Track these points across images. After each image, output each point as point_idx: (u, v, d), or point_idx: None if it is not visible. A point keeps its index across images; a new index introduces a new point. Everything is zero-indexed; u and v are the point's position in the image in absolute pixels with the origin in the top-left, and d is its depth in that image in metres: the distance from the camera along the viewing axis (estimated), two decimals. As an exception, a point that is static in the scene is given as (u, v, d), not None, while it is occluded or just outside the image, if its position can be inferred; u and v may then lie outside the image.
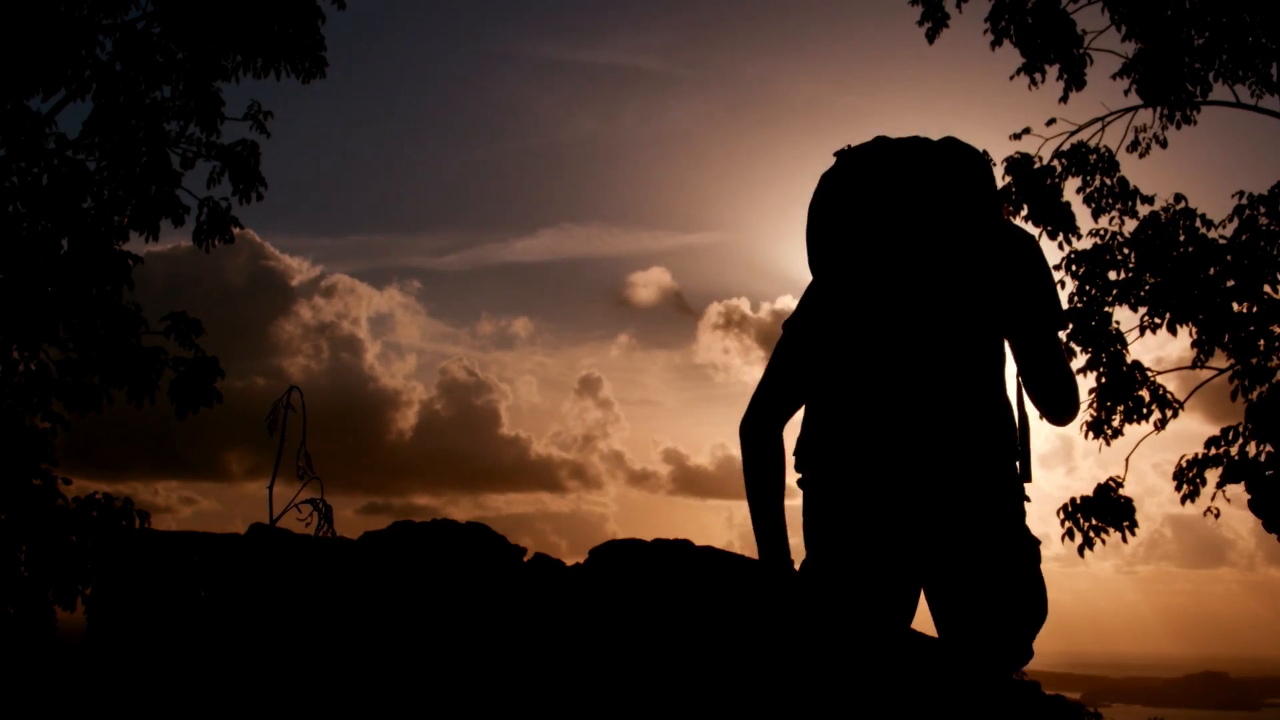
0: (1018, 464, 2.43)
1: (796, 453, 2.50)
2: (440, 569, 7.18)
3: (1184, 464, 10.43)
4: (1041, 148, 11.10)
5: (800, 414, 2.55)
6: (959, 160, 2.40)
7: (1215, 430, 10.32)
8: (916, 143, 2.44)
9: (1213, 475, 10.25)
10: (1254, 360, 10.07)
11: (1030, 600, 2.34)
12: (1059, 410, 2.44)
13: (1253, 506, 9.68)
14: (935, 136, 2.49)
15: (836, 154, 2.52)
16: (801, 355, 2.47)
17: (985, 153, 2.35)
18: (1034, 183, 10.92)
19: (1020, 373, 2.45)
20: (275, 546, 7.01)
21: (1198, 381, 10.89)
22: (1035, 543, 2.38)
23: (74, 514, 8.09)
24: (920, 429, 2.33)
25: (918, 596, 2.43)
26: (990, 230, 2.39)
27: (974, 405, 2.36)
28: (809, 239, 2.51)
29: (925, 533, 2.32)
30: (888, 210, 2.38)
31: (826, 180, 2.49)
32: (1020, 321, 2.38)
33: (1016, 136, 11.10)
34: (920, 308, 2.36)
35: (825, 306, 2.46)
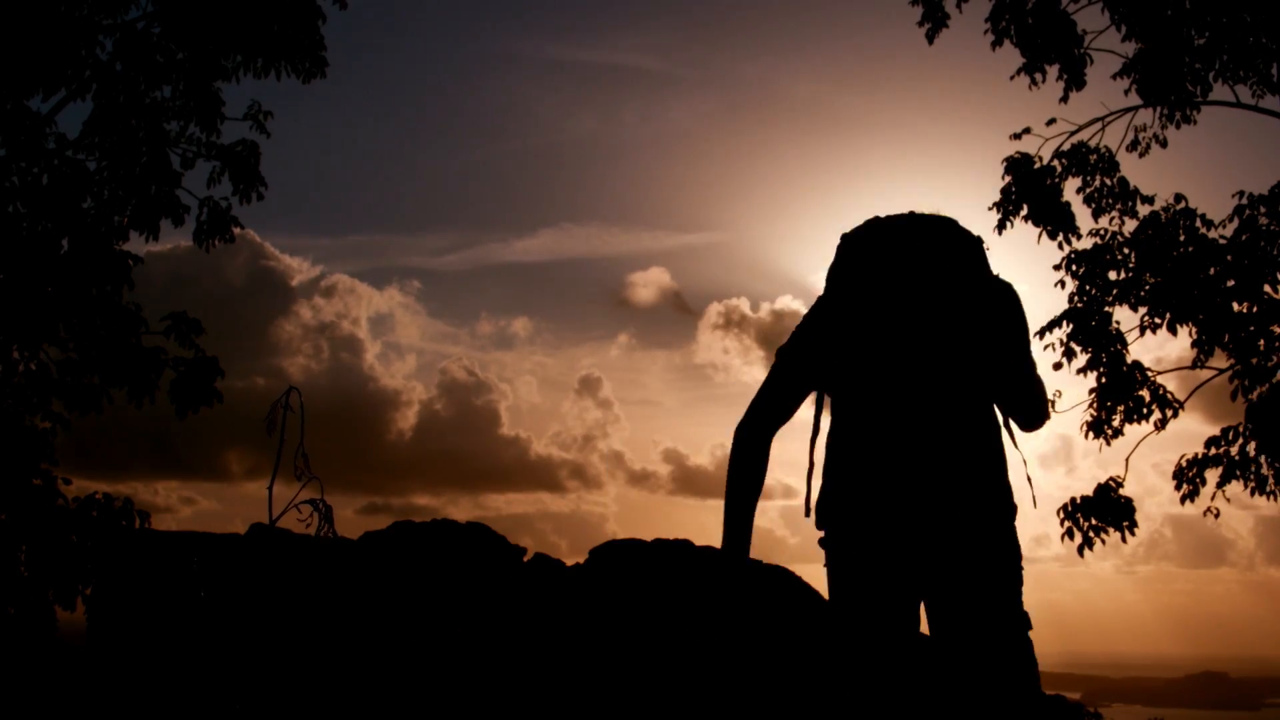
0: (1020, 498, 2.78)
1: (819, 511, 2.82)
2: (440, 569, 7.18)
3: (1184, 464, 10.43)
4: (1041, 148, 11.09)
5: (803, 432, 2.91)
6: (961, 244, 2.79)
7: (1215, 430, 10.33)
8: (919, 222, 2.80)
9: (1213, 475, 10.25)
10: (1254, 360, 10.06)
11: (1021, 673, 2.62)
12: (1034, 420, 2.84)
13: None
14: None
15: (844, 236, 2.88)
16: (794, 381, 2.84)
17: (980, 238, 2.90)
18: (1034, 183, 10.91)
19: (1002, 394, 2.82)
20: (275, 546, 7.01)
21: (1198, 381, 10.89)
22: (1025, 618, 2.68)
23: (74, 514, 8.08)
24: (928, 483, 2.65)
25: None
26: (984, 298, 2.77)
27: (975, 458, 2.69)
28: (833, 294, 2.85)
29: (931, 572, 2.66)
30: (904, 285, 2.74)
31: (849, 249, 2.85)
32: (1003, 358, 2.77)
33: (1016, 136, 11.09)
34: (926, 367, 2.71)
35: (831, 347, 2.80)
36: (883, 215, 2.86)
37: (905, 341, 2.71)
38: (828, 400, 2.91)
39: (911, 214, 2.83)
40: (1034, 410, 2.82)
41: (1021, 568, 2.70)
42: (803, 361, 2.82)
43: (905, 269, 2.74)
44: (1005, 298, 2.79)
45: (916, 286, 2.73)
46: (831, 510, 2.76)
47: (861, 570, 2.67)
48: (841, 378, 2.79)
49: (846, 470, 2.74)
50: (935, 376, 2.70)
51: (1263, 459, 9.95)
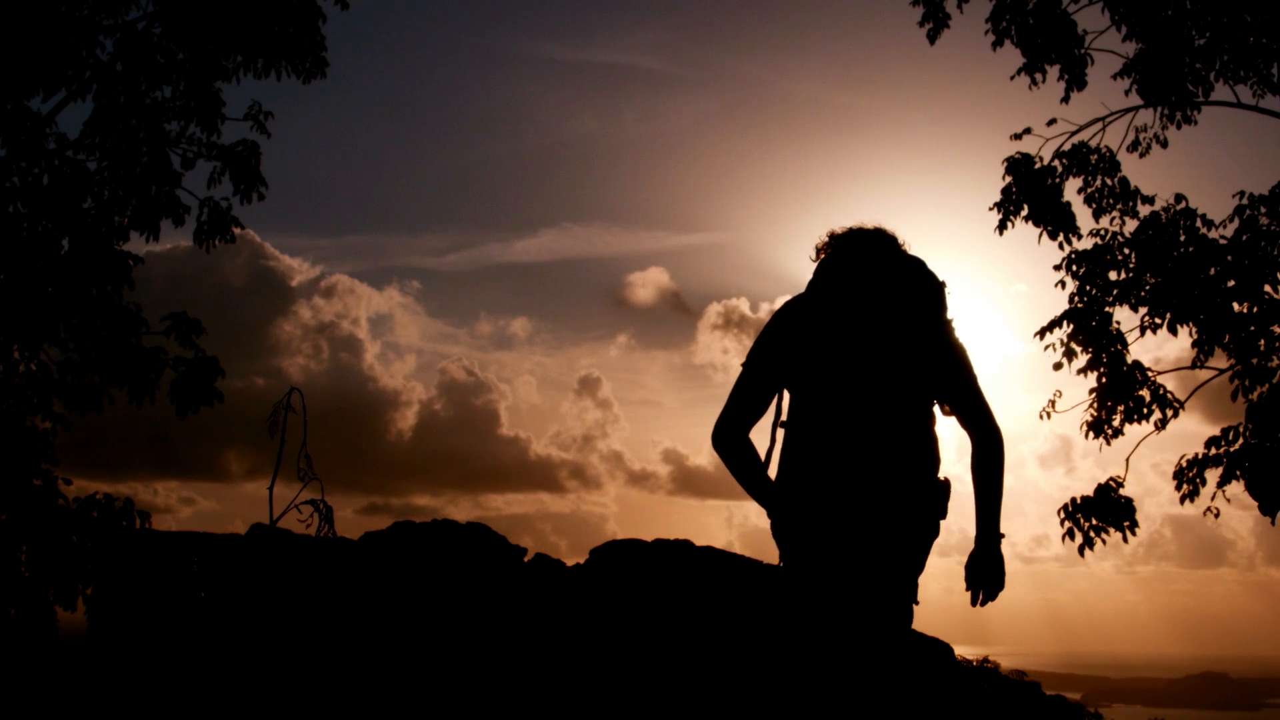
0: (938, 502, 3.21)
1: (776, 495, 3.24)
2: (440, 569, 7.18)
3: (1184, 464, 10.41)
4: (1042, 148, 11.09)
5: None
6: (926, 287, 3.25)
7: (1215, 430, 10.30)
8: (887, 256, 3.23)
9: (1213, 475, 10.23)
10: (1254, 360, 10.05)
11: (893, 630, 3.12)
12: (994, 439, 3.24)
13: (1250, 489, 9.64)
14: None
15: (818, 246, 3.33)
16: (762, 389, 3.26)
17: (944, 283, 3.40)
18: (1034, 183, 10.91)
19: (963, 423, 3.28)
20: (275, 547, 7.01)
21: (1198, 381, 10.87)
22: (913, 591, 3.17)
23: (74, 514, 8.08)
24: (868, 479, 3.10)
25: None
26: (937, 336, 3.23)
27: (910, 458, 3.14)
28: (806, 302, 3.26)
29: (861, 542, 3.09)
30: (866, 312, 3.18)
31: (825, 273, 3.27)
32: (952, 389, 3.24)
33: (1017, 136, 11.09)
34: (876, 381, 3.14)
35: (793, 359, 3.21)
36: (839, 231, 3.32)
37: (860, 353, 3.15)
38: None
39: (876, 233, 3.28)
40: (982, 419, 3.23)
41: (930, 544, 3.17)
42: (770, 369, 3.24)
43: (870, 294, 3.18)
44: (955, 350, 3.25)
45: (876, 312, 3.17)
46: (786, 494, 3.19)
47: (811, 543, 3.11)
48: (802, 379, 3.20)
49: (799, 460, 3.18)
50: (882, 384, 3.14)
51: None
